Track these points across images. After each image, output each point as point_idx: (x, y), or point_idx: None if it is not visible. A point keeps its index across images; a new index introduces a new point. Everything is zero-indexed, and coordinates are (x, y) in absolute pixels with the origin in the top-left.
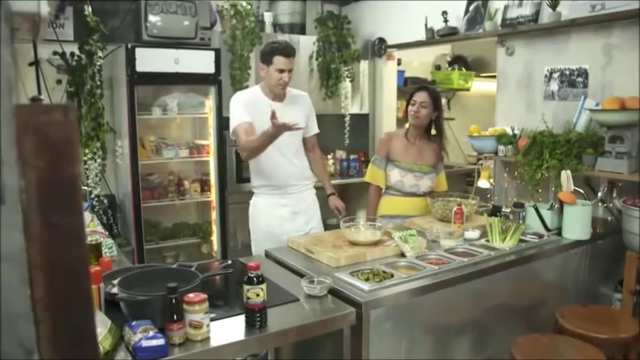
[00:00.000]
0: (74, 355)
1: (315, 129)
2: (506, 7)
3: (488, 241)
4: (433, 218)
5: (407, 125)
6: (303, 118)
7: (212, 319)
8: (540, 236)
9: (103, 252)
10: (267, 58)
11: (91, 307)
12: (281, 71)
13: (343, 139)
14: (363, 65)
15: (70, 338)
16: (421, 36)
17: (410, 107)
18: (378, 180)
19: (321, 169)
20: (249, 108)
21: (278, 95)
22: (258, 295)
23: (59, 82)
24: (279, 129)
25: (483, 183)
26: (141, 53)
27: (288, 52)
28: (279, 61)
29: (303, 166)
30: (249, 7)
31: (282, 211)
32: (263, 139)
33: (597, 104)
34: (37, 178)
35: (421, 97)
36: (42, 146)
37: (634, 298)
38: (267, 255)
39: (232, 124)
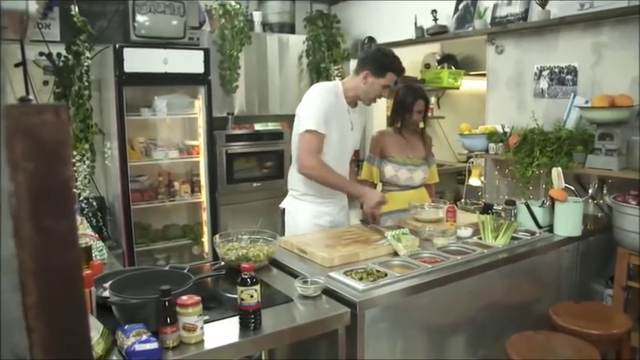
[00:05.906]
0: None
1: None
2: (495, 6)
3: (480, 238)
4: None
5: (398, 125)
6: (362, 127)
7: (206, 322)
8: (532, 233)
9: (94, 255)
10: (379, 70)
11: (85, 313)
12: (385, 87)
13: None
14: (353, 64)
15: (63, 345)
16: (411, 35)
17: (408, 115)
18: (373, 176)
19: None
20: (329, 112)
21: (354, 102)
22: (252, 296)
23: (46, 83)
24: (367, 211)
25: (474, 181)
26: (129, 53)
27: (402, 71)
28: (391, 78)
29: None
30: (238, 6)
31: (324, 220)
32: (339, 185)
33: (587, 102)
34: (28, 181)
35: (420, 105)
36: (33, 148)
37: (625, 293)
38: None
39: (306, 125)
